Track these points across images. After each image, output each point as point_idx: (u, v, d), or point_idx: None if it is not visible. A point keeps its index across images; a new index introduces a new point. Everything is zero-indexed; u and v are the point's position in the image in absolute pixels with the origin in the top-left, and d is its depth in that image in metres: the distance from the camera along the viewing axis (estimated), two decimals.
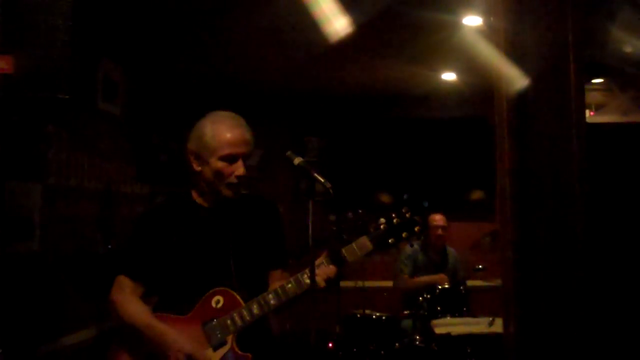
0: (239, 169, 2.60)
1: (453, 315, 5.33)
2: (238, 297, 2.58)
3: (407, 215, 2.65)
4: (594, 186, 2.50)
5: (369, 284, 5.87)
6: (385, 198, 7.21)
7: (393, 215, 2.66)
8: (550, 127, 2.48)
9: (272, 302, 2.55)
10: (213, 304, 2.58)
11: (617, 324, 2.52)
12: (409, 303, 5.79)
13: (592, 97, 6.82)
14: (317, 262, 2.54)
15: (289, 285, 2.56)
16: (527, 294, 2.41)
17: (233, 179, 2.60)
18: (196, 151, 2.65)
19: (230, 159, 2.59)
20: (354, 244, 2.61)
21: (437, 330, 4.82)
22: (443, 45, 5.13)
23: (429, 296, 5.51)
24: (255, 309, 2.55)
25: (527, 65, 2.47)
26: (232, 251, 2.64)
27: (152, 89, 5.58)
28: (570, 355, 2.36)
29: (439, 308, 5.43)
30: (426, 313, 5.42)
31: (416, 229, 2.66)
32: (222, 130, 2.61)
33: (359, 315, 5.48)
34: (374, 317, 5.47)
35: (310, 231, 2.37)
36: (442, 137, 7.45)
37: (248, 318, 2.54)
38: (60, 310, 3.96)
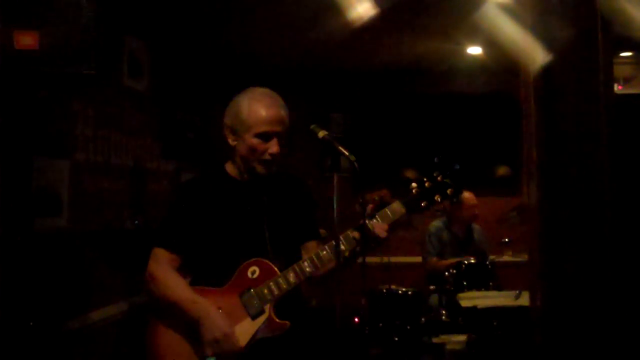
0: (274, 147, 2.61)
1: (479, 290, 5.32)
2: (274, 266, 2.60)
3: (439, 178, 2.65)
4: (622, 157, 2.47)
5: (395, 259, 5.87)
6: (410, 174, 7.18)
7: (425, 179, 2.66)
8: (578, 100, 2.45)
9: (307, 269, 2.57)
10: (249, 275, 2.60)
11: None
12: (435, 278, 5.79)
13: (620, 70, 6.73)
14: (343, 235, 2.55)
15: (324, 253, 2.58)
16: (553, 266, 2.40)
17: (267, 157, 2.61)
18: (232, 126, 2.67)
19: (265, 136, 2.60)
20: (386, 209, 2.62)
21: (463, 304, 4.82)
22: (468, 18, 5.07)
23: (454, 271, 5.51)
24: (292, 277, 2.57)
25: (555, 38, 2.44)
26: (266, 223, 2.66)
27: (178, 65, 5.59)
28: (597, 326, 2.35)
29: (465, 283, 5.43)
30: (452, 288, 5.42)
31: (449, 191, 2.65)
32: (259, 108, 2.62)
33: (384, 291, 5.49)
34: (400, 292, 5.48)
35: (335, 205, 2.36)
36: (467, 113, 7.39)
37: (285, 286, 2.56)
38: (89, 285, 4.01)
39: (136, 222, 4.55)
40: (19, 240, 3.25)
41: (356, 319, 5.56)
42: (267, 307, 2.57)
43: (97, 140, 4.15)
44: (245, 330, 2.56)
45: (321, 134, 2.49)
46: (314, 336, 2.82)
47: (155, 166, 5.07)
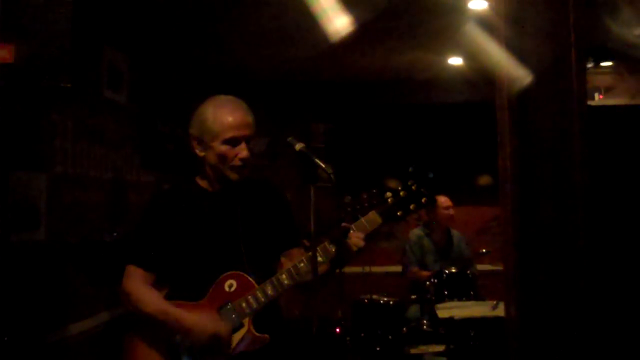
0: (243, 151, 2.61)
1: (460, 300, 5.34)
2: (251, 279, 2.59)
3: (414, 187, 2.66)
4: (601, 168, 2.50)
5: (376, 269, 5.88)
6: (392, 183, 7.19)
7: (399, 188, 2.66)
8: (551, 112, 2.48)
9: (285, 282, 2.56)
10: (226, 288, 2.60)
11: (618, 307, 2.52)
12: (416, 288, 5.81)
13: (601, 80, 6.79)
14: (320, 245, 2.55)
15: (302, 265, 2.56)
16: (528, 277, 2.42)
17: (237, 162, 2.61)
18: (199, 136, 2.66)
19: (234, 142, 2.60)
20: (363, 219, 2.61)
21: (440, 314, 4.83)
22: (449, 29, 5.11)
23: (435, 281, 5.53)
24: (270, 290, 2.56)
25: (529, 50, 2.47)
26: (241, 234, 2.64)
27: (158, 77, 5.58)
28: (571, 338, 2.36)
29: (445, 292, 5.45)
30: (433, 298, 5.44)
31: (423, 200, 2.65)
32: (224, 114, 2.62)
33: (366, 301, 5.50)
34: (381, 302, 5.49)
35: (312, 217, 2.36)
36: (448, 122, 7.42)
37: (263, 299, 2.56)
38: (68, 298, 3.99)
39: (115, 234, 4.53)
40: None
41: (337, 329, 5.57)
42: (245, 321, 2.57)
43: (76, 153, 4.13)
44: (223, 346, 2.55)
45: (298, 146, 2.46)
46: (294, 348, 2.81)
47: (135, 178, 5.06)
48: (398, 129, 7.50)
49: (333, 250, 2.57)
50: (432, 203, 2.73)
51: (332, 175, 2.33)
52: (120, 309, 4.59)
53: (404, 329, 5.35)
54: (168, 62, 5.78)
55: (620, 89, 6.90)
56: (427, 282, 5.57)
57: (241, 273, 2.61)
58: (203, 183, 2.74)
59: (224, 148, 2.60)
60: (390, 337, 5.34)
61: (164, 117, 5.66)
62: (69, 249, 4.01)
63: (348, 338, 5.44)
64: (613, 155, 2.82)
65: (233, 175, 2.63)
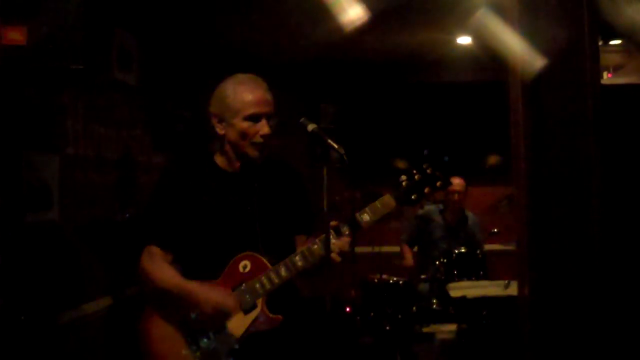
0: (264, 128, 2.61)
1: (470, 279, 5.35)
2: (265, 260, 2.61)
3: (428, 170, 2.64)
4: (609, 147, 2.49)
5: (386, 249, 5.89)
6: (401, 164, 7.20)
7: (414, 171, 2.65)
8: (565, 90, 2.47)
9: (299, 263, 2.56)
10: (240, 269, 2.61)
11: (632, 286, 2.52)
12: (426, 267, 5.83)
13: (609, 58, 6.73)
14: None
15: (315, 247, 2.56)
16: (541, 256, 2.42)
17: (258, 139, 2.61)
18: (219, 114, 2.66)
19: (255, 118, 2.60)
20: (377, 202, 2.61)
21: (453, 294, 4.85)
22: (458, 8, 5.07)
23: (445, 260, 5.54)
24: (283, 272, 2.57)
25: (541, 28, 2.45)
26: (257, 215, 2.66)
27: (168, 58, 5.57)
28: (585, 315, 2.37)
29: (455, 272, 5.46)
30: (443, 277, 5.45)
31: (438, 183, 2.64)
32: (245, 91, 2.63)
33: (376, 280, 5.52)
34: (391, 281, 5.51)
35: (325, 197, 2.36)
36: (458, 102, 7.39)
37: (276, 281, 2.56)
38: (80, 278, 4.01)
39: (127, 214, 4.56)
40: (10, 234, 3.26)
41: (348, 309, 5.59)
42: (259, 302, 2.58)
43: (87, 134, 4.14)
44: (238, 325, 2.57)
45: (310, 127, 2.47)
46: (307, 328, 2.83)
47: (145, 159, 5.07)
48: (407, 109, 7.48)
49: (347, 233, 2.56)
50: (446, 187, 2.71)
51: (344, 156, 2.33)
52: (132, 289, 4.63)
53: (414, 308, 5.37)
54: (178, 43, 5.76)
55: (630, 68, 6.84)
56: (437, 262, 5.59)
57: (255, 254, 2.62)
58: (221, 162, 2.74)
59: (245, 125, 2.60)
60: (399, 316, 5.36)
61: (174, 99, 5.66)
62: (81, 229, 4.04)
63: (358, 317, 5.46)
64: (625, 134, 2.80)
65: (253, 153, 2.63)
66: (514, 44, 2.51)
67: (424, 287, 5.71)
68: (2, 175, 3.24)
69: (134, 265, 2.72)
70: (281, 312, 2.61)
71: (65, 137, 3.92)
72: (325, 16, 4.63)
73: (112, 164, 4.50)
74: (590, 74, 2.49)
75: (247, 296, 2.58)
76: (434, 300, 5.39)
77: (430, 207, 6.07)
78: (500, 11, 2.71)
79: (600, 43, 5.80)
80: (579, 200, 2.43)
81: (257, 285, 2.58)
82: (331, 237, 2.48)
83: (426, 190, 2.63)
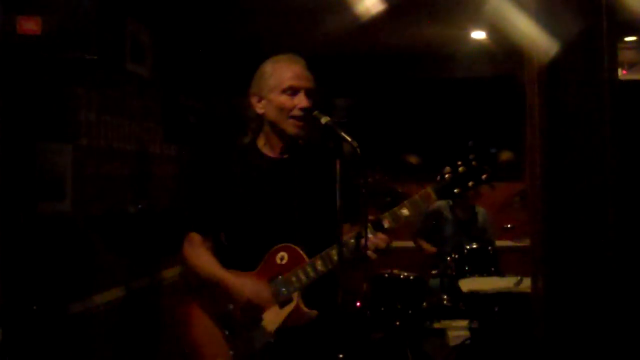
0: (302, 101, 2.57)
1: (481, 275, 5.33)
2: (302, 253, 2.55)
3: (474, 163, 2.48)
4: (625, 143, 2.47)
5: (397, 244, 5.87)
6: (413, 159, 7.18)
7: (459, 163, 2.50)
8: (582, 85, 2.45)
9: (335, 257, 2.47)
10: (278, 260, 2.57)
11: None
12: (437, 263, 5.81)
13: (624, 55, 6.70)
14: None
15: (352, 241, 2.47)
16: (556, 252, 2.41)
17: (297, 112, 2.56)
18: (258, 92, 2.64)
19: (292, 91, 2.57)
20: (416, 195, 2.51)
21: (464, 289, 4.82)
22: (473, 3, 5.05)
23: (457, 256, 5.52)
24: (319, 265, 2.50)
25: (559, 22, 2.43)
26: (296, 205, 2.60)
27: (180, 50, 5.57)
28: (598, 312, 2.35)
29: (467, 268, 5.44)
30: (454, 273, 5.43)
31: (483, 176, 2.47)
32: (282, 66, 2.62)
33: (386, 275, 5.50)
34: (401, 277, 5.48)
35: (338, 190, 2.33)
36: (471, 97, 7.38)
37: (312, 274, 2.50)
38: (91, 269, 4.02)
39: (139, 206, 4.56)
40: (23, 224, 3.27)
41: (358, 304, 5.58)
42: (295, 295, 2.53)
43: (100, 125, 4.14)
44: (272, 318, 2.53)
45: (324, 120, 2.44)
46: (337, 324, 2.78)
47: (158, 150, 5.07)
48: (420, 104, 7.46)
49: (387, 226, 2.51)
50: (492, 180, 2.51)
51: (357, 149, 2.28)
52: (143, 281, 4.64)
53: (424, 304, 5.35)
54: (190, 35, 5.76)
55: None
56: (448, 258, 5.57)
57: (293, 246, 2.56)
58: (263, 145, 2.70)
59: (282, 98, 2.57)
60: (410, 311, 5.34)
61: (186, 90, 5.66)
62: (93, 220, 4.04)
63: (368, 312, 5.45)
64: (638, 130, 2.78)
65: (292, 129, 2.58)
66: (532, 38, 2.49)
67: (434, 282, 5.69)
68: (15, 165, 3.25)
69: (146, 256, 2.72)
70: (317, 307, 2.54)
71: (78, 127, 3.92)
72: (340, 8, 4.62)
73: (124, 155, 4.50)
74: (607, 69, 2.47)
75: (283, 289, 2.53)
76: (445, 296, 5.37)
77: (440, 203, 6.04)
78: (518, 5, 2.69)
79: None
80: (594, 196, 2.42)
81: (293, 279, 2.53)
82: (368, 232, 2.41)
83: (470, 184, 2.49)
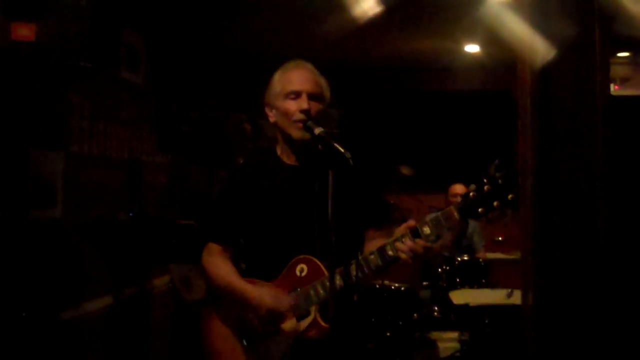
0: (303, 103, 2.52)
1: (472, 287, 5.34)
2: (322, 266, 2.47)
3: (500, 181, 2.33)
4: (617, 158, 2.48)
5: None
6: (406, 170, 7.19)
7: (485, 181, 2.36)
8: (574, 99, 2.46)
9: (354, 273, 2.40)
10: (297, 272, 2.52)
11: (638, 295, 2.51)
12: (428, 274, 5.81)
13: (617, 70, 6.73)
14: (399, 232, 2.41)
15: (372, 257, 2.41)
16: (546, 265, 2.41)
17: (298, 115, 2.52)
18: (268, 100, 2.64)
19: (295, 95, 2.55)
20: (439, 214, 2.41)
21: (455, 301, 4.83)
22: (466, 16, 5.07)
23: (447, 267, 5.53)
24: (338, 281, 2.41)
25: (552, 37, 2.45)
26: (316, 215, 2.48)
27: (174, 58, 5.58)
28: (588, 326, 2.36)
29: (457, 279, 5.45)
30: (445, 284, 5.44)
31: (509, 197, 2.32)
32: (288, 72, 2.62)
33: (377, 286, 5.50)
34: (392, 287, 5.49)
35: (330, 201, 2.30)
36: (463, 110, 7.40)
37: (332, 289, 2.36)
38: (82, 276, 4.01)
39: (131, 214, 4.55)
40: (14, 231, 3.26)
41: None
42: (312, 309, 2.46)
43: (93, 132, 4.15)
44: (290, 331, 2.48)
45: (317, 130, 2.42)
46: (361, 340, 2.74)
47: (150, 159, 5.07)
48: (413, 116, 7.48)
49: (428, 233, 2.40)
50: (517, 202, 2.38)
51: (350, 160, 2.27)
52: (133, 289, 4.62)
53: (415, 315, 5.36)
54: (184, 44, 5.77)
55: (637, 80, 6.85)
56: (439, 269, 5.58)
57: (313, 258, 2.50)
58: (281, 153, 2.68)
59: (287, 103, 2.55)
60: (400, 322, 5.34)
61: (179, 99, 5.66)
62: (84, 227, 4.03)
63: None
64: (633, 145, 2.79)
65: (296, 133, 2.53)
66: (524, 50, 2.51)
67: (425, 294, 5.69)
68: (7, 172, 3.24)
69: (136, 264, 2.72)
70: (335, 322, 2.39)
71: (71, 135, 3.92)
72: (333, 20, 4.63)
73: (116, 163, 4.50)
74: (600, 84, 2.49)
75: (301, 302, 2.48)
76: (436, 308, 5.38)
77: (431, 216, 6.05)
78: (510, 18, 2.71)
79: None
80: (585, 210, 2.43)
81: (312, 292, 2.47)
82: (407, 238, 2.37)
83: (495, 204, 2.34)
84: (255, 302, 2.50)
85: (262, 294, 2.50)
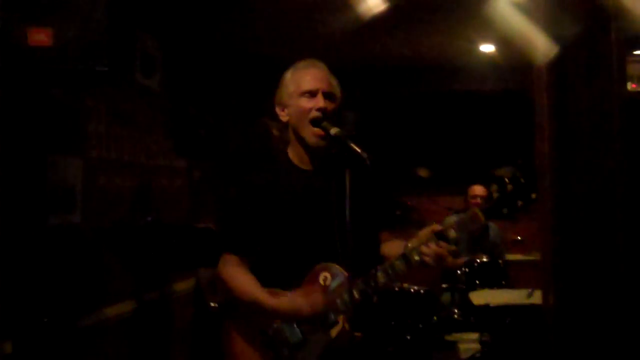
0: (319, 101, 2.50)
1: (492, 289, 5.31)
2: (346, 273, 2.41)
3: (522, 180, 2.38)
4: (635, 155, 2.45)
5: None
6: (423, 172, 7.18)
7: (507, 181, 2.39)
8: (590, 96, 2.44)
9: (381, 280, 2.38)
10: (321, 281, 2.46)
11: None
12: (448, 276, 5.78)
13: (634, 68, 6.67)
14: (424, 236, 2.39)
15: (397, 262, 2.38)
16: (566, 264, 2.39)
17: (314, 113, 2.49)
18: (280, 100, 2.61)
19: (311, 93, 2.53)
20: (464, 216, 2.43)
21: (475, 302, 4.80)
22: (481, 15, 5.05)
23: (467, 270, 5.50)
24: (366, 287, 2.38)
25: (567, 33, 2.43)
26: (336, 221, 2.43)
27: (190, 63, 5.60)
28: (610, 326, 2.33)
29: (477, 282, 5.42)
30: (464, 286, 5.41)
31: (533, 195, 2.38)
32: (301, 70, 2.60)
33: (397, 289, 5.48)
34: (412, 290, 5.46)
35: (348, 201, 2.28)
36: (479, 111, 7.37)
37: (357, 297, 2.38)
38: (102, 282, 4.02)
39: (149, 218, 4.57)
40: (33, 236, 3.27)
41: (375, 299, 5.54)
42: (340, 318, 2.42)
43: (110, 137, 4.16)
44: (318, 341, 2.44)
45: (333, 131, 2.40)
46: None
47: (167, 163, 5.09)
48: (429, 117, 7.46)
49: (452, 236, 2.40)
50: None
51: (367, 161, 2.24)
52: (153, 294, 4.63)
53: (435, 317, 5.33)
54: (201, 49, 5.79)
55: None
56: (458, 271, 5.55)
57: (335, 265, 2.46)
58: (293, 156, 2.63)
59: (301, 102, 2.52)
60: (421, 325, 5.31)
61: (195, 103, 5.68)
62: (103, 232, 4.05)
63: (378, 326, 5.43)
64: None
65: (311, 139, 2.50)
66: (540, 48, 2.49)
67: (445, 296, 5.67)
68: (26, 178, 3.26)
69: (155, 269, 2.70)
70: (363, 329, 2.42)
71: (89, 140, 3.94)
72: (348, 22, 4.63)
73: (134, 168, 4.51)
74: (616, 80, 2.46)
75: (328, 312, 2.42)
76: (456, 310, 5.35)
77: (451, 218, 6.03)
78: (525, 16, 2.69)
79: None
80: (604, 209, 2.40)
81: (338, 301, 2.41)
82: (433, 242, 2.35)
83: (519, 203, 2.39)
84: (291, 314, 2.43)
85: (297, 305, 2.43)
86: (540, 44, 2.47)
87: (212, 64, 6.08)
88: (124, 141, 4.36)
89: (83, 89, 3.79)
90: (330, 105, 2.54)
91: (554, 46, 2.43)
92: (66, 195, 3.68)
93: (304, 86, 2.54)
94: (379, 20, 4.83)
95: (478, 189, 5.98)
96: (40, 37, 2.62)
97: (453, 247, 2.41)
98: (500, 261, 5.58)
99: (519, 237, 5.71)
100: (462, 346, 5.04)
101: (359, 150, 2.28)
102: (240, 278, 2.57)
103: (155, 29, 4.86)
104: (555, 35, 2.44)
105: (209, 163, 5.84)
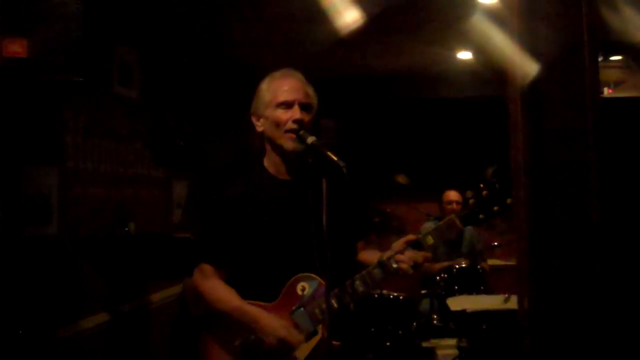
0: (296, 113, 2.51)
1: (470, 294, 5.34)
2: (324, 283, 2.42)
3: (497, 186, 2.41)
4: (611, 159, 2.48)
5: None
6: (401, 179, 7.21)
7: (482, 186, 2.43)
8: (564, 104, 2.47)
9: (360, 288, 2.42)
10: (299, 291, 2.48)
11: (632, 299, 2.51)
12: (427, 282, 5.81)
13: (610, 74, 6.74)
14: (398, 246, 2.44)
15: (375, 270, 2.42)
16: (541, 269, 2.41)
17: (290, 125, 2.49)
18: (256, 110, 2.61)
19: (286, 105, 2.52)
20: (442, 223, 2.46)
21: (452, 308, 4.82)
22: (458, 23, 5.09)
23: (446, 276, 5.53)
24: (344, 297, 2.41)
25: (541, 42, 2.46)
26: (313, 231, 2.44)
27: (168, 72, 5.58)
28: (585, 329, 2.35)
29: (456, 287, 5.45)
30: (443, 292, 5.44)
31: (508, 201, 2.40)
32: (277, 81, 2.59)
33: (376, 295, 5.49)
34: (391, 297, 5.48)
35: (324, 210, 2.28)
36: (458, 117, 7.42)
37: (336, 306, 2.39)
38: (79, 293, 3.99)
39: (126, 229, 4.54)
40: (9, 248, 3.25)
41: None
42: (319, 328, 2.44)
43: (87, 148, 4.13)
44: (299, 351, 2.44)
45: (310, 139, 2.41)
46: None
47: (145, 173, 5.06)
48: (407, 124, 7.50)
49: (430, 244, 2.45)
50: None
51: (344, 169, 2.24)
52: (130, 305, 4.60)
53: (414, 323, 5.35)
54: (178, 58, 5.78)
55: (630, 83, 6.86)
56: (437, 277, 5.57)
57: (313, 275, 2.48)
58: (269, 166, 2.63)
59: (277, 113, 2.52)
60: (400, 331, 5.33)
61: (174, 113, 5.66)
62: (79, 243, 4.02)
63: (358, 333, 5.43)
64: (625, 146, 2.80)
65: (287, 144, 2.50)
66: (512, 55, 2.52)
67: (424, 302, 5.69)
68: (1, 189, 3.23)
69: (133, 280, 2.68)
70: (342, 337, 2.42)
71: (65, 150, 3.91)
72: (326, 31, 4.65)
73: (111, 178, 4.49)
74: (590, 88, 2.49)
75: (307, 322, 2.45)
76: (435, 316, 5.37)
77: (427, 224, 6.06)
78: (500, 25, 2.72)
79: (601, 59, 5.86)
80: (578, 213, 2.42)
81: (317, 311, 2.44)
82: (409, 250, 2.41)
83: (495, 209, 2.42)
84: (269, 330, 2.43)
85: (275, 324, 2.43)
86: (516, 54, 2.50)
87: (190, 74, 6.07)
88: (102, 151, 4.33)
89: (59, 99, 3.77)
90: (306, 117, 2.55)
91: (528, 56, 2.46)
92: (42, 206, 3.65)
93: (280, 97, 2.54)
94: (357, 30, 4.85)
95: (453, 194, 6.03)
96: (16, 48, 2.61)
97: (428, 254, 2.44)
98: (479, 266, 5.61)
99: (495, 243, 5.74)
100: (440, 352, 5.06)
101: (335, 159, 2.29)
102: (219, 289, 2.58)
103: (132, 38, 4.85)
104: (529, 44, 2.47)
105: (187, 173, 5.82)
